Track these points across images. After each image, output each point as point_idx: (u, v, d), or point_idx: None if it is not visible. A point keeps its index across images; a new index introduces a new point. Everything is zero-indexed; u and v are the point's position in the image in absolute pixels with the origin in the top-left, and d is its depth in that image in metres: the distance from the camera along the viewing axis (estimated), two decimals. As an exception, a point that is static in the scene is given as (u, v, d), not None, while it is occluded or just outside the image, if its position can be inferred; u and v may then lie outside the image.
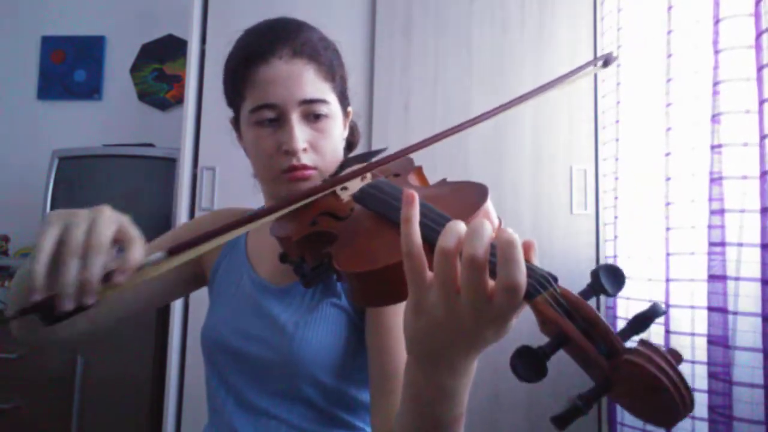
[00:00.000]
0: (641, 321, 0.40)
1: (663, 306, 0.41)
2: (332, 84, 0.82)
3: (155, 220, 2.13)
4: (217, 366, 0.86)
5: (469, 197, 0.56)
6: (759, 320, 1.08)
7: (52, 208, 2.13)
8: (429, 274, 0.44)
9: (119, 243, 0.54)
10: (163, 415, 1.87)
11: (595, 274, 0.42)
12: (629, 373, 0.37)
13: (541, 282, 0.41)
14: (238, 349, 0.82)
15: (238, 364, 0.83)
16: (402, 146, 0.71)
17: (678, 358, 0.37)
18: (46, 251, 0.51)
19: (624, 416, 1.57)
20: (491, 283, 0.41)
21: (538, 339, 0.41)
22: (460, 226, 0.43)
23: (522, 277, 0.40)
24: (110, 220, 0.54)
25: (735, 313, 1.13)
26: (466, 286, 0.41)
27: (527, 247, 0.43)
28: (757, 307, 1.09)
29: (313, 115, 0.79)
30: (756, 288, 1.10)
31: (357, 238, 0.63)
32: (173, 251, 0.56)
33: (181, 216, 1.96)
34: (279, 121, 0.78)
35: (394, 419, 0.59)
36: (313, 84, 0.79)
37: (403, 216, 0.45)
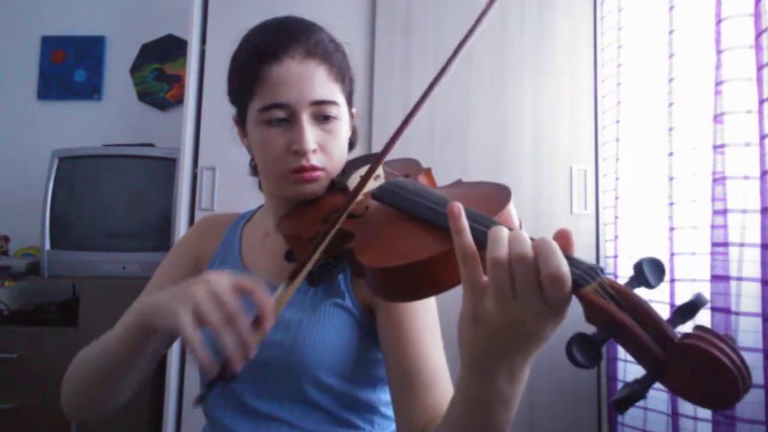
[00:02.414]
0: (687, 310, 0.41)
1: (706, 297, 0.42)
2: (342, 85, 0.82)
3: (155, 220, 2.13)
4: None
5: (493, 197, 0.58)
6: (760, 320, 1.08)
7: (52, 208, 2.13)
8: (485, 278, 0.46)
9: (240, 294, 0.60)
10: (163, 416, 1.86)
11: (638, 266, 0.43)
12: (690, 356, 0.37)
13: (588, 272, 0.43)
14: None
15: None
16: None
17: (733, 341, 0.38)
18: (197, 341, 0.57)
19: (624, 417, 1.57)
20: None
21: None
22: (505, 232, 0.45)
23: (564, 265, 0.42)
24: (225, 284, 0.60)
25: (737, 314, 1.13)
26: (521, 284, 0.43)
27: (566, 239, 0.46)
28: (758, 308, 1.09)
29: (323, 117, 0.79)
30: (757, 288, 1.10)
31: (379, 234, 0.64)
32: (292, 277, 0.63)
33: (181, 216, 1.96)
34: (289, 121, 0.78)
35: (439, 424, 0.59)
36: (324, 85, 0.78)
37: (454, 228, 0.47)
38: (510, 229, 0.46)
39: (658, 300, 1.38)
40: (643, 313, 0.40)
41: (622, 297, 0.41)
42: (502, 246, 0.44)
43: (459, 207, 0.48)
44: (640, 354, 0.40)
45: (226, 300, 0.58)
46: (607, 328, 0.40)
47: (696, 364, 0.37)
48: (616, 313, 0.40)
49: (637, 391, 0.39)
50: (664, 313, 1.40)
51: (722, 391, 0.37)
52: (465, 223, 0.47)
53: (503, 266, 0.44)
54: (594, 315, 0.42)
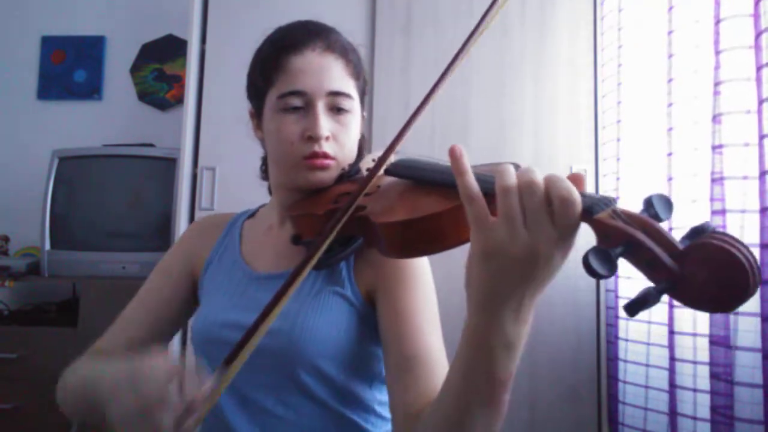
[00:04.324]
0: (695, 233, 0.42)
1: (713, 224, 0.44)
2: (357, 82, 0.87)
3: (155, 220, 2.14)
4: (209, 360, 0.84)
5: None
6: (759, 320, 1.08)
7: (52, 208, 2.13)
8: (491, 217, 0.48)
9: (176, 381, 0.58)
10: (163, 416, 1.86)
11: (648, 201, 0.45)
12: (701, 253, 0.40)
13: (603, 200, 0.45)
14: (232, 341, 0.81)
15: None
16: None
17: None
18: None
19: (624, 416, 1.57)
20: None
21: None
22: (512, 168, 0.48)
23: (573, 188, 0.45)
24: (161, 373, 0.57)
25: (736, 314, 1.13)
26: (531, 211, 0.45)
27: (578, 179, 0.48)
28: (757, 308, 1.09)
29: (337, 108, 0.83)
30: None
31: (392, 199, 0.67)
32: (228, 361, 0.61)
33: (181, 216, 1.96)
34: (305, 109, 0.82)
35: (439, 391, 0.60)
36: (341, 78, 0.83)
37: (456, 169, 0.50)
38: None
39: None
40: (654, 232, 0.42)
41: (635, 220, 0.43)
42: (510, 176, 0.47)
43: (460, 148, 0.50)
44: (654, 268, 0.42)
45: (157, 391, 0.57)
46: (624, 245, 0.42)
47: (707, 261, 0.39)
48: (631, 230, 0.42)
49: (651, 296, 0.41)
50: (662, 311, 1.40)
51: (733, 284, 0.38)
52: (467, 163, 0.50)
53: (512, 193, 0.46)
54: (609, 238, 0.43)
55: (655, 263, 0.41)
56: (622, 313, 1.62)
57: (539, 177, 0.46)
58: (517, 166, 0.60)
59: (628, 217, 0.44)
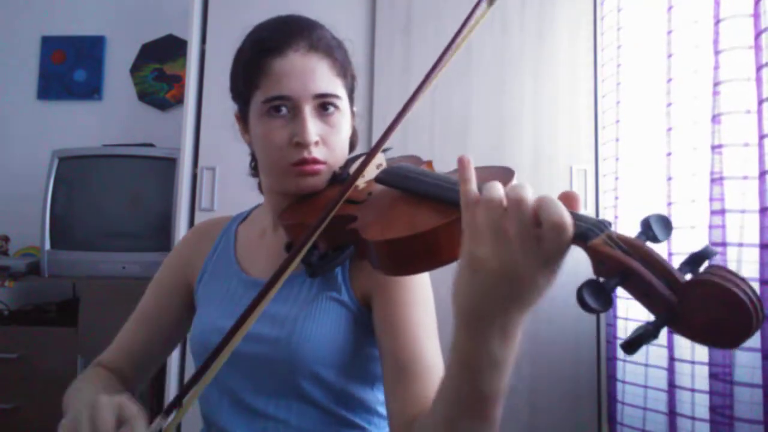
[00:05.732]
0: (696, 259, 0.41)
1: (714, 249, 0.43)
2: (344, 81, 0.84)
3: (155, 220, 2.14)
4: None
5: (497, 177, 0.59)
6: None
7: (52, 208, 2.13)
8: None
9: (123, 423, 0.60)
10: (163, 415, 1.86)
11: (646, 222, 0.44)
12: (701, 291, 0.38)
13: (597, 225, 0.43)
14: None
15: (232, 364, 0.81)
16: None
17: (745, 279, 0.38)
18: None
19: (623, 416, 1.57)
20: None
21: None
22: (498, 184, 0.47)
23: (566, 213, 0.43)
24: (107, 411, 0.60)
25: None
26: (517, 227, 0.44)
27: (571, 198, 0.46)
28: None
29: (324, 110, 0.80)
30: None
31: (382, 212, 0.65)
32: (167, 410, 0.63)
33: (181, 216, 1.96)
34: (291, 113, 0.79)
35: (432, 398, 0.59)
36: (327, 79, 0.80)
37: (462, 177, 0.50)
38: None
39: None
40: (652, 261, 0.40)
41: (631, 246, 0.41)
42: (495, 189, 0.46)
43: (468, 158, 0.50)
44: (651, 300, 0.40)
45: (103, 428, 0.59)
46: (620, 275, 0.41)
47: (707, 299, 0.37)
48: (627, 260, 0.40)
49: (649, 332, 0.39)
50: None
51: (735, 324, 0.37)
52: (473, 172, 0.50)
53: (496, 204, 0.45)
54: (604, 266, 0.42)
55: (653, 295, 0.40)
56: (620, 312, 1.62)
57: (529, 195, 0.44)
58: (509, 175, 0.60)
59: (624, 243, 0.41)
